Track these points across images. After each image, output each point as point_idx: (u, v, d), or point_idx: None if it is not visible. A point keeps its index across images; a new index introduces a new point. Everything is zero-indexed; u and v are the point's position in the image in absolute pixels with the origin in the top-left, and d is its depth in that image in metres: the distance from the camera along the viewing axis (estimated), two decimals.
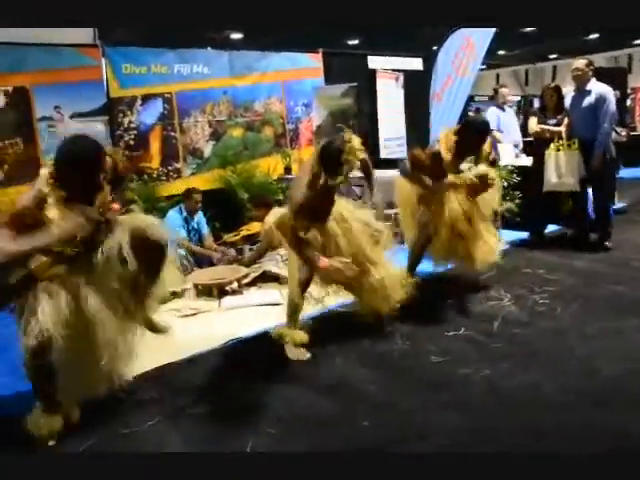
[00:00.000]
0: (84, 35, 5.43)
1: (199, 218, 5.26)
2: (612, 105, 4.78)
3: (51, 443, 2.46)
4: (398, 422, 2.47)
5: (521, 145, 6.75)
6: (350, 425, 2.47)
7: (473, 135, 3.85)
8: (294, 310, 3.23)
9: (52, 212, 2.42)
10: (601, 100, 4.77)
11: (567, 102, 5.06)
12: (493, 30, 6.02)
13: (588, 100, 4.84)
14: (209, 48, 6.67)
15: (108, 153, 2.66)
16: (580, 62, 4.91)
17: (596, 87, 4.86)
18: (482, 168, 3.86)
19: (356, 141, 3.15)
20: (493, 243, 4.10)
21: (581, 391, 2.64)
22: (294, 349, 3.18)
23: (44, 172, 2.48)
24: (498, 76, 18.92)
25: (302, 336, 3.17)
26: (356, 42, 15.40)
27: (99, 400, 2.70)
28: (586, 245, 5.08)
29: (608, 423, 2.35)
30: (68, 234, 2.43)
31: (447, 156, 3.82)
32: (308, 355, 3.19)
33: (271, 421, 2.52)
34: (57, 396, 2.52)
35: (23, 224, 2.35)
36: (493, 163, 4.33)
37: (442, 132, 3.94)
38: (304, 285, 3.25)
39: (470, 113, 9.74)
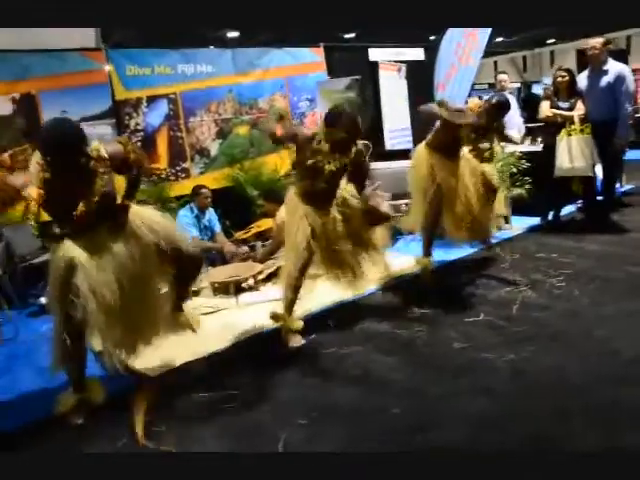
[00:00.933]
0: (87, 39, 5.44)
1: (210, 216, 5.28)
2: (632, 84, 4.77)
3: (79, 421, 2.65)
4: (427, 409, 2.50)
5: (523, 130, 6.74)
6: (380, 413, 2.49)
7: (500, 115, 4.10)
8: (292, 294, 3.32)
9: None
10: (620, 79, 4.77)
11: (581, 83, 5.02)
12: None
13: (606, 80, 4.82)
14: (212, 47, 6.65)
15: (119, 141, 2.73)
16: (596, 41, 4.89)
17: (614, 66, 4.86)
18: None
19: None
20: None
21: (604, 372, 2.65)
22: (290, 335, 3.29)
23: (34, 160, 2.52)
24: (496, 63, 18.90)
25: (298, 323, 3.31)
26: (352, 35, 15.39)
27: (129, 396, 2.75)
28: (597, 226, 5.10)
29: (635, 403, 2.37)
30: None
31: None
32: (302, 341, 3.28)
33: (301, 412, 2.55)
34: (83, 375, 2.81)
35: None
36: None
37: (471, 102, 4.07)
38: (303, 267, 3.30)
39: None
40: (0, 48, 4.90)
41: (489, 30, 5.80)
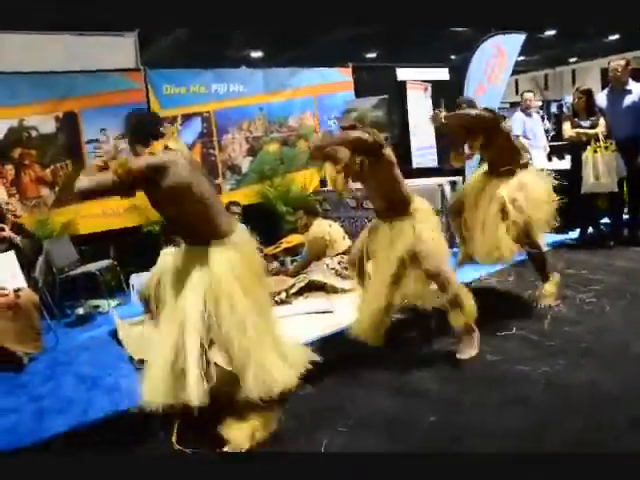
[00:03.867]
0: (128, 60, 5.69)
1: None
2: None
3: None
4: (463, 418, 2.55)
5: (547, 149, 6.81)
6: (417, 422, 2.56)
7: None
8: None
9: None
10: None
11: (600, 102, 5.13)
12: (523, 37, 6.13)
13: (630, 99, 4.94)
14: (243, 67, 6.88)
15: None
16: (619, 62, 5.03)
17: (637, 86, 4.97)
18: None
19: None
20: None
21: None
22: None
23: None
24: (517, 82, 18.99)
25: None
26: (374, 55, 15.65)
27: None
28: (622, 242, 5.18)
29: None
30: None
31: None
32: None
33: (341, 420, 2.62)
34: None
35: None
36: None
37: None
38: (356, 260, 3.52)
39: None
40: (49, 70, 5.16)
41: (517, 49, 5.90)
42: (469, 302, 3.19)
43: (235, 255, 2.51)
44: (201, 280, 2.45)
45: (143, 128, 2.62)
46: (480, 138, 3.81)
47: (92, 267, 5.25)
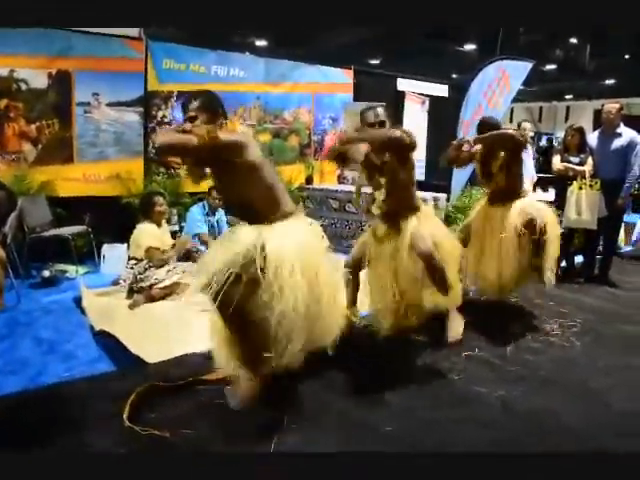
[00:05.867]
0: (131, 28, 5.58)
1: (220, 216, 5.37)
2: None
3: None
4: (416, 431, 2.56)
5: (535, 179, 6.90)
6: (371, 429, 2.56)
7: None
8: (346, 286, 3.58)
9: None
10: (633, 144, 4.99)
11: (591, 142, 5.23)
12: (530, 65, 6.20)
13: (619, 142, 5.04)
14: (247, 53, 6.82)
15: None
16: (612, 106, 5.13)
17: (627, 131, 5.09)
18: None
19: None
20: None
21: (596, 420, 2.72)
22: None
23: None
24: (512, 111, 19.22)
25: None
26: (377, 62, 15.67)
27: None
28: (592, 280, 5.27)
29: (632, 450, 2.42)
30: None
31: None
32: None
33: (296, 418, 2.61)
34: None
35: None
36: None
37: None
38: (355, 263, 3.57)
39: None
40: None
41: (523, 76, 5.96)
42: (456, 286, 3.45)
43: (292, 228, 2.61)
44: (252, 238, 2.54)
45: (220, 108, 2.71)
46: (501, 159, 3.91)
47: (65, 231, 5.15)
